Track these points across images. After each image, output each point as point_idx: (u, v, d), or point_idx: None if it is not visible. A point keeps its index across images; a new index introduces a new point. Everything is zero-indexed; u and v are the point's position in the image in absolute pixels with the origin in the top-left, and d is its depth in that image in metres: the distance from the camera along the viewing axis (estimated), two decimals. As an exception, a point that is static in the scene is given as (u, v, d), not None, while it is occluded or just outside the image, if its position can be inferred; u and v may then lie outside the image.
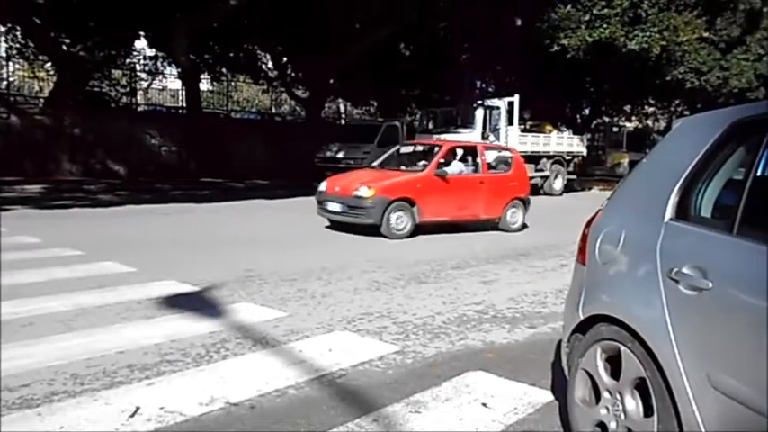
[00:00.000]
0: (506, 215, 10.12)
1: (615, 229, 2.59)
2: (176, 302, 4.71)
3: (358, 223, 8.96)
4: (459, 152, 10.62)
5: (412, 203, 9.05)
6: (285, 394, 3.07)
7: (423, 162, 10.21)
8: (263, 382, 3.18)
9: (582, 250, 2.80)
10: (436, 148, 10.26)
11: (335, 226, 9.37)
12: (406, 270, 6.41)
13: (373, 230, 8.77)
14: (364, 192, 8.86)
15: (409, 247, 8.07)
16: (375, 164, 10.76)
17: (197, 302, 4.77)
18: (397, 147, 11.78)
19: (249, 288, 5.34)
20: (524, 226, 10.37)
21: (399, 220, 8.90)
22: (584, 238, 2.83)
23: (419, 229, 9.12)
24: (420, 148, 11.38)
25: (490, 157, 11.04)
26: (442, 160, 9.72)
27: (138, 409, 2.80)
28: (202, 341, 3.83)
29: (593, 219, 2.87)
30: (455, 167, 10.00)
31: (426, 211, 9.15)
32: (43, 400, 2.88)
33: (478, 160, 10.23)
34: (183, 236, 8.39)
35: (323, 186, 9.63)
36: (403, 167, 10.39)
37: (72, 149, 17.85)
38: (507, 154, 11.49)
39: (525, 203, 10.45)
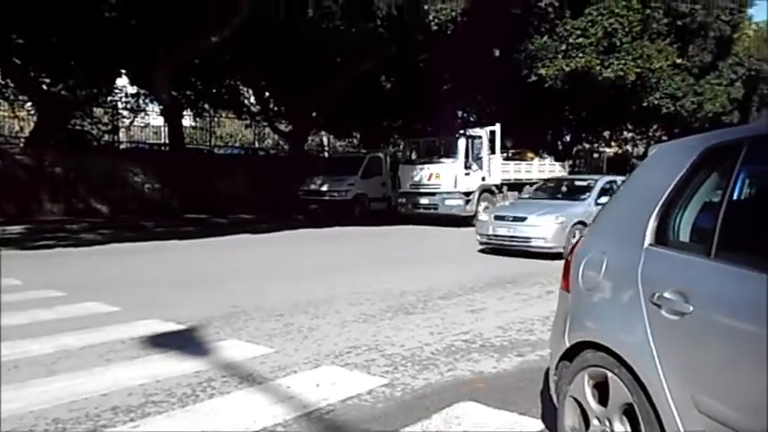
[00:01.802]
0: None
1: (597, 255, 2.62)
2: (161, 342, 4.64)
3: None
4: None
5: None
6: (272, 433, 3.02)
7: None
8: (251, 421, 3.13)
9: (566, 277, 2.83)
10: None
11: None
12: (392, 301, 6.39)
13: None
14: None
15: (395, 277, 8.05)
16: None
17: (182, 341, 4.70)
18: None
19: (235, 324, 5.28)
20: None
21: None
22: (567, 265, 2.86)
23: None
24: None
25: None
26: None
27: (122, 453, 2.73)
28: (188, 380, 3.76)
29: (575, 246, 2.91)
30: None
31: None
32: (24, 448, 2.80)
33: None
34: (167, 274, 8.30)
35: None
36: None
37: (54, 189, 17.67)
38: None
39: None
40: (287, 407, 3.35)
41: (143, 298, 6.36)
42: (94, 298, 6.19)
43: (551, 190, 12.67)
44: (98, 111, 22.65)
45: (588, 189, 11.36)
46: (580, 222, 10.08)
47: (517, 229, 10.32)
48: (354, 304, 6.22)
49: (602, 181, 11.60)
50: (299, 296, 6.57)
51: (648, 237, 2.38)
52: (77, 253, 10.49)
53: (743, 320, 1.83)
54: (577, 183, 12.49)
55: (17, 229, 13.71)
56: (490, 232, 10.73)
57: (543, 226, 10.08)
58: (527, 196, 13.01)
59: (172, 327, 5.12)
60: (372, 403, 3.47)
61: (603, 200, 10.17)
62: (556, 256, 9.45)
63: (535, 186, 13.66)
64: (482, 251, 10.92)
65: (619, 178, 11.90)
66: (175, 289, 7.01)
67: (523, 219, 10.35)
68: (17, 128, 22.32)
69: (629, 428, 2.23)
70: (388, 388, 3.72)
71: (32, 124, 20.43)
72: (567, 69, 18.85)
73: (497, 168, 18.02)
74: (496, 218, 10.87)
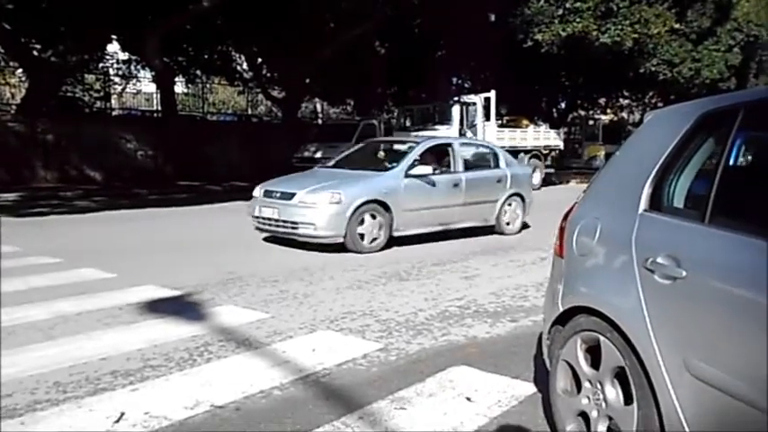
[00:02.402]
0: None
1: (591, 221, 2.64)
2: (157, 307, 4.67)
3: None
4: None
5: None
6: (270, 395, 3.07)
7: None
8: (248, 384, 3.18)
9: (560, 243, 2.85)
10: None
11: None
12: (387, 268, 6.43)
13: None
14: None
15: (389, 243, 8.08)
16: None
17: (178, 306, 4.73)
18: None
19: (231, 290, 5.31)
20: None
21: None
22: (561, 231, 2.87)
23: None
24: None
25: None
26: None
27: (122, 414, 2.78)
28: (185, 345, 3.81)
29: (569, 212, 2.92)
30: None
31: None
32: (26, 410, 2.85)
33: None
34: (162, 240, 8.30)
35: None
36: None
37: (46, 156, 17.54)
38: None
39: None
40: (284, 371, 3.40)
41: (138, 264, 6.38)
42: (90, 264, 6.19)
43: (362, 156, 9.27)
44: (89, 77, 22.27)
45: (404, 156, 8.32)
46: (374, 202, 7.43)
47: (284, 211, 7.43)
48: (348, 271, 6.26)
49: (423, 146, 8.44)
50: (293, 263, 6.60)
51: (643, 203, 2.39)
52: (72, 220, 10.46)
53: (736, 285, 1.85)
54: (397, 147, 9.40)
55: (11, 196, 13.63)
56: (257, 213, 7.90)
57: (314, 207, 7.24)
58: (331, 164, 9.32)
59: (168, 293, 5.15)
60: (367, 367, 3.53)
61: (422, 170, 7.93)
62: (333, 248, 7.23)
63: (346, 152, 9.91)
64: (266, 239, 8.21)
65: (458, 141, 9.62)
66: (170, 255, 7.03)
67: (291, 196, 7.47)
68: (8, 95, 21.96)
69: (620, 391, 2.27)
70: (383, 353, 3.78)
71: (24, 91, 20.10)
72: (564, 35, 18.58)
73: (492, 135, 17.92)
74: (265, 193, 7.92)
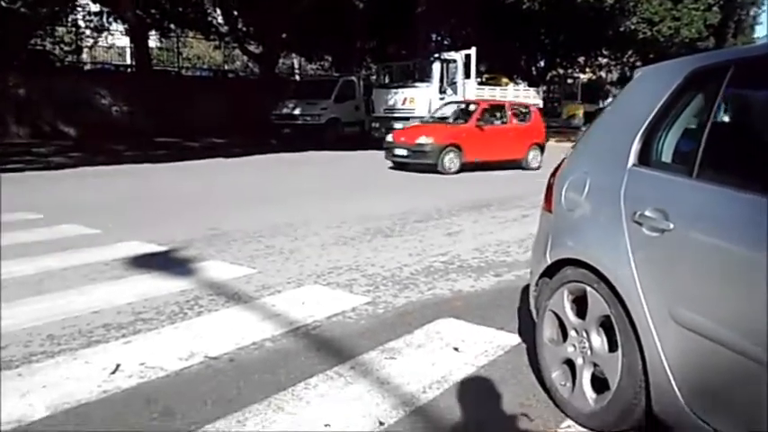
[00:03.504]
0: (528, 157, 13.26)
1: (580, 176, 2.69)
2: (144, 262, 4.67)
3: (421, 163, 11.90)
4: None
5: (459, 148, 12.14)
6: (262, 347, 3.13)
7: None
8: (240, 337, 3.22)
9: (548, 198, 2.90)
10: (473, 106, 13.51)
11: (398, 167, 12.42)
12: (370, 224, 6.47)
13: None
14: (424, 140, 12.04)
15: (372, 201, 8.12)
16: (427, 118, 14.34)
17: (165, 262, 4.73)
18: (444, 103, 14.82)
19: (217, 246, 5.31)
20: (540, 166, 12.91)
21: (451, 161, 12.00)
22: (549, 186, 2.93)
23: (465, 167, 12.12)
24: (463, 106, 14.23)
25: (517, 112, 13.94)
26: (479, 115, 12.75)
27: (118, 366, 2.81)
28: (175, 299, 3.83)
29: (558, 168, 2.97)
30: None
31: (469, 153, 12.21)
32: (22, 361, 2.87)
33: (507, 114, 13.37)
34: (143, 197, 8.22)
35: (390, 138, 12.95)
36: (450, 121, 13.44)
37: (18, 111, 17.00)
38: (527, 109, 14.31)
39: (542, 148, 13.52)
40: (274, 323, 3.45)
41: (121, 220, 6.32)
42: (72, 221, 6.13)
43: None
44: (60, 30, 21.41)
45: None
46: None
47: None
48: (333, 227, 6.30)
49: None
50: (277, 219, 6.60)
51: (632, 158, 2.44)
52: (49, 176, 10.27)
53: (722, 237, 1.92)
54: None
55: (-19, 152, 13.25)
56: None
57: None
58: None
59: (154, 248, 5.13)
60: (356, 320, 3.60)
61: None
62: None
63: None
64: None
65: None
66: (153, 212, 6.97)
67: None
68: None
69: (605, 339, 2.37)
70: (371, 306, 3.85)
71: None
72: (546, -9, 18.40)
73: (472, 93, 17.86)
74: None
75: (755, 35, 32.62)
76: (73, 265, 4.55)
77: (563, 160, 2.96)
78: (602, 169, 2.60)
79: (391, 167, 12.48)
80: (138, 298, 3.81)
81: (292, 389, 2.64)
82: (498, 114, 13.55)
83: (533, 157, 13.29)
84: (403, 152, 12.24)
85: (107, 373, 2.75)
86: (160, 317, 3.52)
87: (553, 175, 2.95)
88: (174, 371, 2.80)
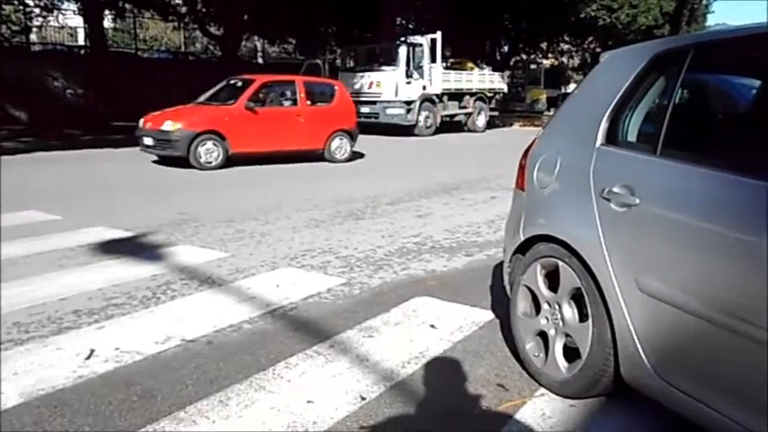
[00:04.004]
0: (330, 146, 10.78)
1: (551, 156, 2.77)
2: (111, 248, 4.58)
3: (167, 155, 9.52)
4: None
5: (222, 136, 9.51)
6: (240, 329, 3.14)
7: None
8: (217, 319, 3.22)
9: (520, 177, 2.98)
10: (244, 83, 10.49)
11: (162, 160, 9.93)
12: (341, 207, 6.49)
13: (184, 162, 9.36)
14: (169, 126, 9.37)
15: (341, 185, 8.13)
16: (201, 99, 10.91)
17: (133, 247, 4.66)
18: (226, 81, 11.38)
19: (185, 231, 5.25)
20: (354, 156, 11.19)
21: (209, 153, 9.41)
22: (521, 166, 3.01)
23: (232, 161, 9.63)
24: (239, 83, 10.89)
25: (313, 90, 11.14)
26: (252, 94, 9.98)
27: (93, 351, 2.78)
28: (146, 284, 3.79)
29: (529, 148, 3.06)
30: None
31: (237, 143, 9.63)
32: (-12, 349, 2.80)
33: (297, 95, 10.55)
34: (103, 182, 8.01)
35: (140, 122, 10.04)
36: (217, 102, 10.40)
37: (-37, 94, 16.26)
38: (330, 88, 11.51)
39: (351, 135, 11.08)
40: (250, 306, 3.46)
41: (84, 206, 6.17)
42: (31, 207, 5.94)
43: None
44: (6, 8, 20.47)
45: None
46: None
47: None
48: (303, 210, 6.29)
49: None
50: (246, 204, 6.55)
51: (600, 137, 2.53)
52: (1, 162, 9.86)
53: (684, 210, 2.03)
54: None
55: (-74, 137, 12.65)
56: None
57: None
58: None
59: (120, 233, 5.04)
60: (332, 300, 3.63)
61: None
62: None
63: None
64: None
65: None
66: (116, 197, 6.82)
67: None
68: None
69: (575, 311, 2.48)
70: (346, 287, 3.89)
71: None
72: (509, -24, 18.54)
73: (438, 78, 17.92)
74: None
75: (707, 23, 33.76)
76: (36, 252, 4.44)
77: (534, 140, 3.05)
78: (571, 149, 2.69)
79: (155, 161, 10.04)
80: (107, 284, 3.75)
81: (273, 368, 2.66)
82: (285, 94, 10.73)
83: (338, 146, 10.83)
84: (149, 141, 9.62)
85: (81, 358, 2.72)
86: (132, 302, 3.48)
87: (525, 155, 3.03)
88: (151, 354, 2.79)
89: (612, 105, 2.57)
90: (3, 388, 2.43)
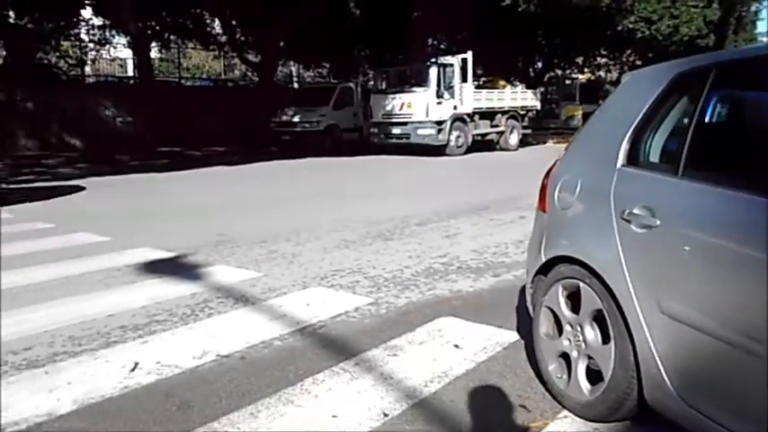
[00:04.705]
0: None
1: (572, 177, 2.81)
2: (154, 268, 4.82)
3: None
4: None
5: None
6: (271, 345, 3.26)
7: None
8: (250, 336, 3.35)
9: (542, 199, 3.03)
10: None
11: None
12: (371, 228, 6.60)
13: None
14: None
15: (371, 206, 8.26)
16: None
17: (174, 267, 4.88)
18: None
19: (222, 252, 5.45)
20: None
21: None
22: (543, 187, 3.05)
23: None
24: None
25: None
26: None
27: (137, 364, 2.96)
28: (186, 302, 3.97)
29: (551, 169, 3.10)
30: None
31: None
32: (47, 361, 3.04)
33: None
34: (149, 205, 8.38)
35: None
36: None
37: (27, 124, 17.35)
38: None
39: None
40: (282, 323, 3.58)
41: (130, 228, 6.49)
42: (83, 229, 6.34)
43: None
44: (64, 44, 21.70)
45: None
46: None
47: None
48: (334, 231, 6.42)
49: None
50: (279, 225, 6.73)
51: (621, 158, 2.56)
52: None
53: (705, 232, 2.03)
54: None
55: (-5, 164, 13.49)
56: None
57: None
58: None
59: (162, 254, 5.28)
60: (360, 319, 3.72)
61: None
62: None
63: None
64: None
65: None
66: (160, 219, 7.13)
67: None
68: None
69: (598, 332, 2.47)
70: (374, 306, 3.97)
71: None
72: (541, -7, 18.54)
73: (469, 97, 18.00)
74: None
75: (757, 31, 32.33)
76: (87, 271, 4.74)
77: (556, 161, 3.10)
78: (592, 170, 2.73)
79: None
80: (150, 301, 3.96)
81: (301, 384, 2.76)
82: None
83: None
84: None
85: (126, 370, 2.90)
86: (173, 318, 3.66)
87: (546, 175, 3.08)
88: (189, 368, 2.94)
89: (634, 126, 2.59)
90: (59, 395, 2.64)
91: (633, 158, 2.55)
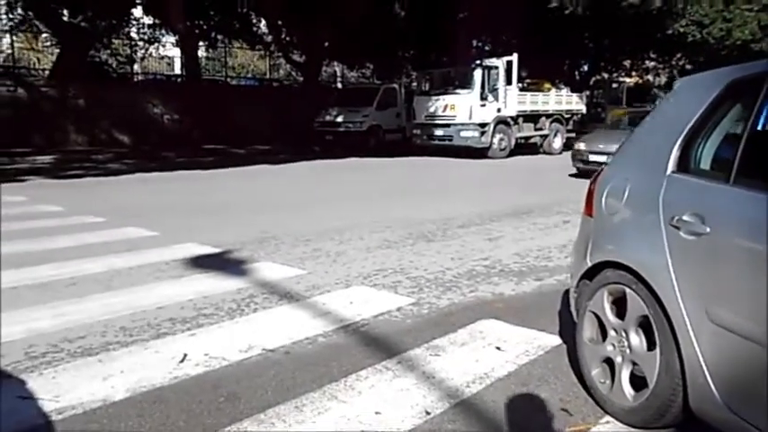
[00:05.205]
0: None
1: (620, 182, 2.80)
2: (201, 263, 4.97)
3: None
4: None
5: None
6: (315, 341, 3.34)
7: None
8: (294, 332, 3.44)
9: (588, 203, 3.02)
10: None
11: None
12: (413, 229, 6.64)
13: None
14: None
15: (413, 206, 8.29)
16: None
17: (220, 262, 5.02)
18: None
19: (267, 249, 5.59)
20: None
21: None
22: (590, 192, 3.04)
23: None
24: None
25: None
26: None
27: (185, 355, 3.08)
28: (232, 297, 4.09)
29: (598, 175, 3.09)
30: None
31: None
32: (100, 349, 3.18)
33: None
34: (196, 201, 8.62)
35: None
36: None
37: (78, 120, 18.03)
38: None
39: None
40: (325, 320, 3.66)
41: (177, 224, 6.69)
42: (132, 223, 6.55)
43: None
44: (116, 42, 22.53)
45: None
46: None
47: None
48: (377, 231, 6.49)
49: None
50: (323, 224, 6.84)
51: (671, 165, 2.54)
52: (107, 182, 10.88)
53: (756, 240, 2.01)
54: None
55: (47, 159, 14.11)
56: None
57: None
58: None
59: (209, 250, 5.44)
60: (402, 319, 3.77)
61: None
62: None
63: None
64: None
65: None
66: (206, 215, 7.33)
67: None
68: (35, 60, 22.35)
69: (643, 338, 2.47)
70: (416, 306, 4.02)
71: (50, 57, 20.50)
72: (590, -5, 18.23)
73: (513, 100, 17.84)
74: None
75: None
76: (137, 265, 4.91)
77: (603, 167, 3.08)
78: (641, 176, 2.71)
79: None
80: (198, 295, 4.09)
81: (344, 380, 2.83)
82: None
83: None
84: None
85: (176, 361, 3.01)
86: (219, 312, 3.78)
87: (594, 181, 3.06)
88: (236, 361, 3.04)
89: (685, 132, 2.57)
90: (113, 383, 2.76)
91: (683, 165, 2.53)
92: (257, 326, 3.55)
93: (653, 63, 33.27)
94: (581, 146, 12.78)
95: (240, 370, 2.95)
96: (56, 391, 2.66)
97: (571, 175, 12.37)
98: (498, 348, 3.28)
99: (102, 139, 18.32)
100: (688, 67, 29.61)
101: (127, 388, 2.72)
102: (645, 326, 2.45)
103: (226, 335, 3.40)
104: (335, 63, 30.81)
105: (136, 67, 23.83)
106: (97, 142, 18.07)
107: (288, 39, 24.83)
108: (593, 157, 11.95)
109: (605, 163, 10.44)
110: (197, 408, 2.58)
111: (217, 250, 5.44)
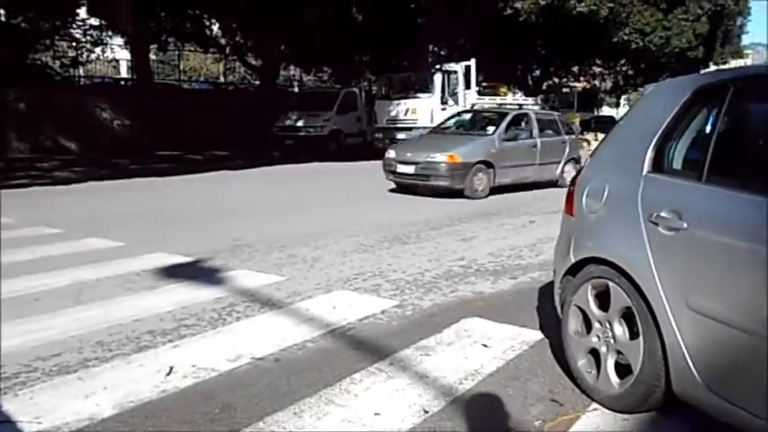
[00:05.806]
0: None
1: (599, 183, 2.94)
2: (174, 273, 4.86)
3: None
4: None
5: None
6: (304, 347, 3.34)
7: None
8: (281, 339, 3.43)
9: (569, 203, 3.15)
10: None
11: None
12: (386, 232, 6.70)
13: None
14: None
15: (383, 210, 8.35)
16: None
17: (194, 272, 4.93)
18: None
19: (240, 256, 5.52)
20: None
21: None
22: (570, 192, 3.18)
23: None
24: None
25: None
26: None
27: (172, 368, 3.01)
28: (212, 306, 4.03)
29: (577, 176, 3.24)
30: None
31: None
32: (78, 366, 3.05)
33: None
34: (157, 210, 8.42)
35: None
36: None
37: (19, 126, 17.18)
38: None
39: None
40: (311, 326, 3.67)
41: (142, 233, 6.51)
42: (93, 234, 6.32)
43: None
44: (60, 44, 21.65)
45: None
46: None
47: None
48: (351, 236, 6.51)
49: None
50: (295, 229, 6.82)
51: (647, 165, 2.70)
52: (57, 191, 10.44)
53: (729, 233, 2.18)
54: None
55: (-13, 167, 13.42)
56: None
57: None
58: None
59: (180, 259, 5.33)
60: (387, 321, 3.82)
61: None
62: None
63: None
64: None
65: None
66: (171, 224, 7.17)
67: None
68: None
69: (626, 329, 2.61)
70: (399, 308, 4.07)
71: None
72: (543, 3, 18.82)
73: (472, 103, 18.14)
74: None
75: (742, 44, 33.33)
76: (105, 277, 4.74)
77: (581, 168, 3.22)
78: (619, 176, 2.86)
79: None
80: (176, 306, 4.01)
81: (339, 384, 2.85)
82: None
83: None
84: (409, 169, 10.11)
85: (162, 374, 2.94)
86: (201, 322, 3.73)
87: (572, 182, 3.20)
88: (226, 371, 3.01)
89: (658, 135, 2.73)
90: (98, 400, 2.66)
91: (658, 165, 2.70)
92: (242, 334, 3.52)
93: (599, 69, 34.51)
94: (391, 154, 10.61)
95: (231, 380, 2.92)
96: (35, 413, 2.53)
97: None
98: (485, 345, 3.37)
99: (47, 146, 17.53)
100: (630, 72, 31.01)
101: (114, 404, 2.63)
102: (628, 317, 2.60)
103: (211, 345, 3.36)
104: (292, 66, 30.61)
105: (81, 70, 22.98)
106: (41, 149, 17.27)
107: (243, 42, 24.52)
108: (401, 168, 10.05)
109: (416, 174, 9.49)
110: (193, 420, 2.53)
111: (188, 259, 5.34)
